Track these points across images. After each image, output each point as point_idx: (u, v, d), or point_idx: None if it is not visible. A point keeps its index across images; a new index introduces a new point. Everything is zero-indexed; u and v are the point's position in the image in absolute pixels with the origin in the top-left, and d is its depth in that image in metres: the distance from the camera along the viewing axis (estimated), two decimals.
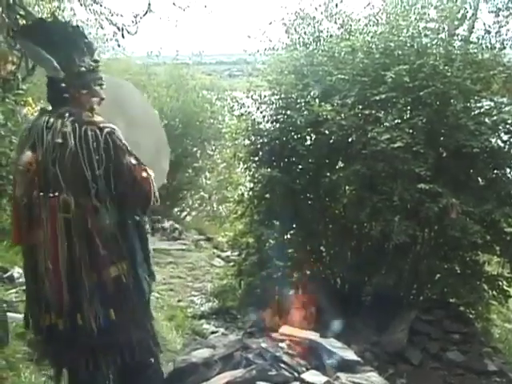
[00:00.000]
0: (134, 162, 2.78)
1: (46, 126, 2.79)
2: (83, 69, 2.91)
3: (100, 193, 2.71)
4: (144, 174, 2.79)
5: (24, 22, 5.79)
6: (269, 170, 6.30)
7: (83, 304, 2.74)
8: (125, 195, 2.78)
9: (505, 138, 5.78)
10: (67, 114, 2.79)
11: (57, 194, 2.73)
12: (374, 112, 5.65)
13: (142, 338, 2.93)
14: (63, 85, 2.88)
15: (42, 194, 2.76)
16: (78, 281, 2.75)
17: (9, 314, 4.57)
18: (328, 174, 5.91)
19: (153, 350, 3.05)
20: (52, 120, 2.79)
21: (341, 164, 6.09)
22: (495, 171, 5.81)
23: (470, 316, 6.07)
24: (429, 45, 5.94)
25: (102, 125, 2.78)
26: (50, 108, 2.95)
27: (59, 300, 2.77)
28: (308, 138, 6.26)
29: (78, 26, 3.08)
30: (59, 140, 2.72)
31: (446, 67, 5.55)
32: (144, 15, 7.52)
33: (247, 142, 6.72)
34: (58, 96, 2.91)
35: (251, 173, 6.91)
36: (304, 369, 3.82)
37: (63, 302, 2.76)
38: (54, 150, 2.73)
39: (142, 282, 2.92)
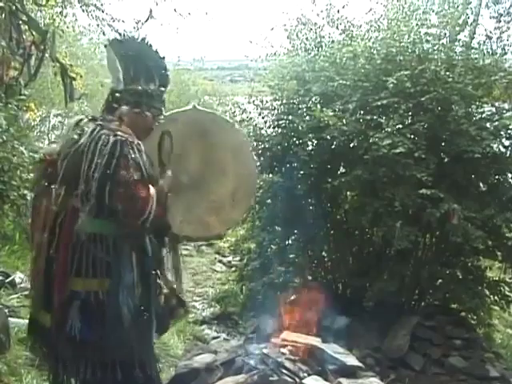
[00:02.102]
0: (136, 177, 2.67)
1: (75, 123, 2.87)
2: (140, 88, 2.96)
3: (88, 196, 2.64)
4: (143, 194, 2.67)
5: (26, 27, 5.81)
6: (270, 175, 6.32)
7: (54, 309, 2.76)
8: (115, 206, 2.65)
9: (506, 143, 5.78)
10: (99, 121, 2.84)
11: (56, 186, 2.77)
12: (375, 117, 5.66)
13: (119, 357, 2.82)
14: (117, 95, 2.95)
15: (47, 184, 2.83)
16: (51, 283, 2.76)
17: (11, 319, 4.58)
18: (329, 179, 5.91)
19: (134, 371, 2.87)
20: (84, 121, 2.87)
21: (342, 169, 6.08)
22: (497, 176, 5.81)
23: (472, 322, 6.07)
24: (430, 50, 5.94)
25: (119, 133, 2.73)
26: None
27: (35, 294, 2.84)
28: (310, 143, 6.25)
29: (162, 58, 3.15)
30: (75, 136, 2.77)
31: (448, 73, 5.56)
32: (145, 21, 7.53)
33: None
34: (109, 104, 2.98)
35: None
36: (305, 374, 3.82)
37: (40, 299, 2.81)
38: (72, 145, 2.77)
39: (120, 306, 2.76)
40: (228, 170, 3.42)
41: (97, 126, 2.77)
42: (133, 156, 2.69)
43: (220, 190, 3.39)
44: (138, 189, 2.66)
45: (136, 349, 2.83)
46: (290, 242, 6.57)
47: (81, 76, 6.47)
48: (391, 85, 5.49)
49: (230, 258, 9.26)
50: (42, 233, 2.80)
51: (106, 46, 3.15)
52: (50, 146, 2.94)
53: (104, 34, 8.34)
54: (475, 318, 6.07)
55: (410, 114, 5.81)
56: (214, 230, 3.49)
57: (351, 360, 4.17)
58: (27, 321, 3.09)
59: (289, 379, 3.71)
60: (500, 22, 9.38)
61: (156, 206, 2.72)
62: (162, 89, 3.09)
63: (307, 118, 6.11)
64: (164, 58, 3.19)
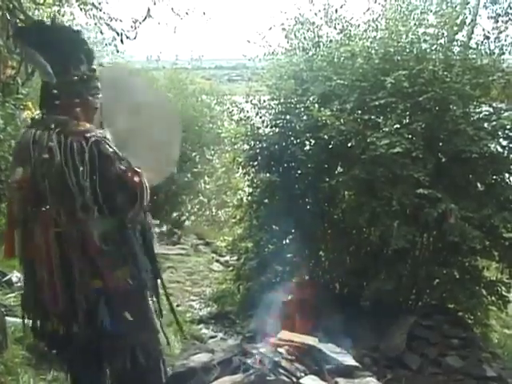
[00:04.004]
0: (123, 167, 2.72)
1: (33, 140, 2.75)
2: (76, 78, 2.86)
3: (87, 204, 2.67)
4: (136, 179, 2.74)
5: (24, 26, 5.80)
6: (268, 174, 6.32)
7: (78, 314, 2.75)
8: (116, 202, 2.73)
9: (504, 143, 5.78)
10: (53, 125, 2.76)
11: (47, 208, 2.73)
12: (373, 117, 5.66)
13: (145, 343, 2.95)
14: (55, 91, 2.84)
15: (34, 209, 2.77)
16: (74, 291, 2.76)
17: (7, 318, 4.56)
18: (327, 178, 5.91)
19: (155, 354, 3.05)
20: (39, 133, 2.76)
21: (340, 169, 6.09)
22: (494, 176, 5.80)
23: (469, 321, 6.06)
24: (428, 50, 5.95)
25: (88, 134, 2.71)
26: (39, 116, 2.95)
27: (57, 309, 2.79)
28: (307, 142, 6.27)
29: (77, 32, 3.03)
30: (46, 155, 2.69)
31: (445, 73, 5.56)
32: (143, 20, 7.51)
33: (246, 146, 6.72)
34: (49, 102, 2.87)
35: (250, 177, 6.91)
36: (303, 374, 3.81)
37: (60, 310, 2.78)
38: (42, 165, 2.71)
39: (145, 287, 2.92)
40: (140, 108, 3.41)
41: (60, 135, 2.71)
42: (110, 150, 2.72)
43: (150, 129, 3.43)
44: (130, 176, 2.73)
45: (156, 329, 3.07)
46: (288, 241, 6.57)
47: None
48: (389, 84, 5.49)
49: (227, 258, 9.25)
50: (48, 256, 2.76)
51: (11, 38, 2.99)
52: (17, 173, 2.82)
53: (102, 32, 8.34)
54: (472, 317, 6.07)
55: (407, 113, 5.81)
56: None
57: (348, 359, 4.17)
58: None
59: (286, 379, 3.71)
60: (498, 22, 9.45)
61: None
62: (93, 67, 2.98)
63: (305, 117, 6.12)
64: (79, 31, 3.07)
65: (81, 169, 2.64)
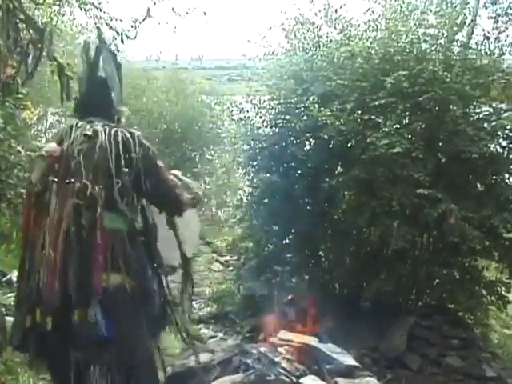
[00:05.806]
0: (163, 165, 2.94)
1: (75, 125, 2.95)
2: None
3: (124, 189, 2.76)
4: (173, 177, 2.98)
5: (24, 26, 5.80)
6: (268, 174, 6.31)
7: (75, 302, 2.67)
8: (159, 195, 2.92)
9: (504, 143, 5.78)
10: (97, 121, 2.95)
11: (73, 180, 2.75)
12: (373, 117, 5.65)
13: (137, 353, 2.85)
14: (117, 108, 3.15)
15: (55, 181, 2.80)
16: (74, 275, 2.67)
17: (7, 317, 4.56)
18: (327, 179, 5.90)
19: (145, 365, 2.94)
20: (82, 123, 2.96)
21: (340, 169, 6.09)
22: (494, 177, 5.81)
23: (469, 321, 6.07)
24: (428, 50, 5.94)
25: (132, 130, 2.93)
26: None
27: (50, 294, 2.66)
28: (307, 142, 6.26)
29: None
30: (89, 133, 2.85)
31: (445, 73, 5.55)
32: (143, 20, 7.52)
33: (246, 146, 6.73)
34: (105, 113, 3.08)
35: (250, 177, 6.92)
36: (302, 374, 3.82)
37: (54, 296, 2.66)
38: (82, 142, 2.84)
39: (152, 297, 2.92)
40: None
41: (103, 126, 2.90)
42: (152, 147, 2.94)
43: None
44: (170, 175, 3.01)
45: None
46: (287, 241, 6.56)
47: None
48: (389, 85, 5.49)
49: (227, 258, 9.26)
50: (57, 229, 2.72)
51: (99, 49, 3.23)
52: (50, 145, 2.93)
53: (102, 32, 8.34)
54: (472, 318, 6.07)
55: (407, 113, 5.81)
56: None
57: (348, 359, 4.17)
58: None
59: (285, 379, 3.71)
60: (498, 22, 9.44)
61: None
62: None
63: (305, 117, 6.11)
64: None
65: (126, 156, 2.79)
